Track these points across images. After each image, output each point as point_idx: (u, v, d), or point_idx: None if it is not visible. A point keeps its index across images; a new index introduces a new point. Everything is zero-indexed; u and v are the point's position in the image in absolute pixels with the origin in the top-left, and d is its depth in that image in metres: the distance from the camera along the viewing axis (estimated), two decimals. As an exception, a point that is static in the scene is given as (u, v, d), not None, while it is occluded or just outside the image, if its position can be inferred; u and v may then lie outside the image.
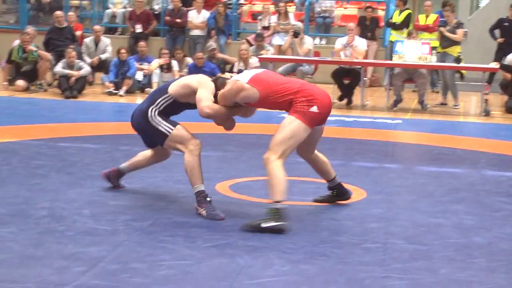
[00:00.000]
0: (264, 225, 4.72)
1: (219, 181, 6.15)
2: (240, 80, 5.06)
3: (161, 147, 5.51)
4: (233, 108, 5.20)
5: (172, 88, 5.33)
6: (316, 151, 5.38)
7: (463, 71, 13.94)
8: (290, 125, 4.89)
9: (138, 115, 5.39)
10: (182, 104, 5.36)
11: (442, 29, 12.79)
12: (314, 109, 4.90)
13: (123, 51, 12.91)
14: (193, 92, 5.23)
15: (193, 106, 5.32)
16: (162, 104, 5.32)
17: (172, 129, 5.25)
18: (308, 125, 4.91)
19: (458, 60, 12.54)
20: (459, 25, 12.79)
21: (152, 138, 5.43)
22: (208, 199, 5.16)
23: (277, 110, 5.21)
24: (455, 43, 12.65)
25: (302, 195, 5.71)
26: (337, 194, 5.56)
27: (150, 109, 5.32)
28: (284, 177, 4.83)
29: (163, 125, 5.27)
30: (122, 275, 3.89)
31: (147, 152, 5.71)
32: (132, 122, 5.49)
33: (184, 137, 5.25)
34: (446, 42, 12.66)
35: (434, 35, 14.06)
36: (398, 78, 12.10)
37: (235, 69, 12.68)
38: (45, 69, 12.94)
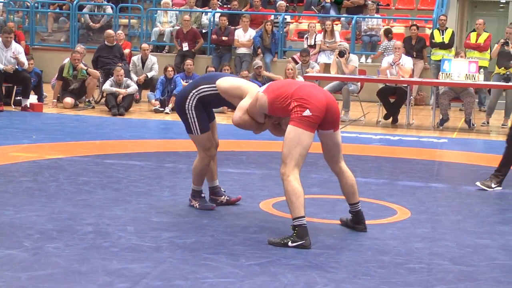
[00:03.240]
0: (291, 244, 4.78)
1: (263, 199, 6.15)
2: (259, 90, 5.16)
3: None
4: (260, 123, 5.27)
5: (222, 83, 5.44)
6: (344, 168, 5.23)
7: None
8: (290, 135, 4.87)
9: (180, 97, 5.63)
10: (222, 100, 5.48)
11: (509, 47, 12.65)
12: (307, 112, 4.84)
13: (169, 69, 13.03)
14: (240, 97, 5.33)
15: (231, 105, 5.50)
16: (204, 91, 5.48)
17: (199, 133, 5.58)
18: (307, 130, 4.85)
19: (507, 79, 12.30)
20: None
21: (183, 123, 5.66)
22: (202, 195, 5.79)
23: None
24: None
25: (347, 214, 5.66)
26: (352, 220, 5.37)
27: (191, 94, 5.51)
28: (300, 191, 4.83)
29: (195, 124, 5.55)
30: (165, 292, 3.91)
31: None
32: (175, 103, 5.80)
33: (205, 144, 5.63)
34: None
35: (485, 54, 13.91)
36: (445, 97, 11.99)
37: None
38: (93, 87, 13.14)
